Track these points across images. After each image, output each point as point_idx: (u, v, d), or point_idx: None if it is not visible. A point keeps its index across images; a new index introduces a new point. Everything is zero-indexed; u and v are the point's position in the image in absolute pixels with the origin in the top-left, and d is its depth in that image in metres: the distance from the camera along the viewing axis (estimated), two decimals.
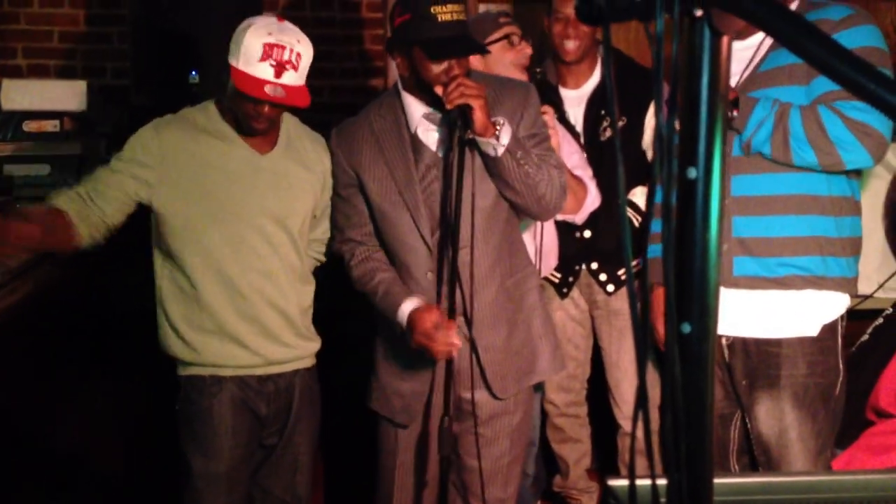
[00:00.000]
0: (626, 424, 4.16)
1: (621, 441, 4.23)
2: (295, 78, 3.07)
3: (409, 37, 3.02)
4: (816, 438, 3.22)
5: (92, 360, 3.87)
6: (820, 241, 3.13)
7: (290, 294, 3.28)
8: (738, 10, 1.05)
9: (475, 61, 3.51)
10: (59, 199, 3.12)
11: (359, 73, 5.21)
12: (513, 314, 3.24)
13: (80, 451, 3.84)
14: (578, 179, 3.59)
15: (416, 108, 3.15)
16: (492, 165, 3.07)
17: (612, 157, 3.86)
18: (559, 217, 3.61)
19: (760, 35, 3.13)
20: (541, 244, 3.61)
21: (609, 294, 4.06)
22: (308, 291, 3.36)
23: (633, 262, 3.49)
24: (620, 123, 3.87)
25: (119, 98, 4.90)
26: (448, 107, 2.97)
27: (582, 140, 3.92)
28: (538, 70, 3.63)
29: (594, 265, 4.04)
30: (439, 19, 2.99)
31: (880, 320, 3.87)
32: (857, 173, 3.22)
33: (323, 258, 3.44)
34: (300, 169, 3.28)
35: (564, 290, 4.08)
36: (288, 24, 3.12)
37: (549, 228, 3.72)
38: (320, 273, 3.45)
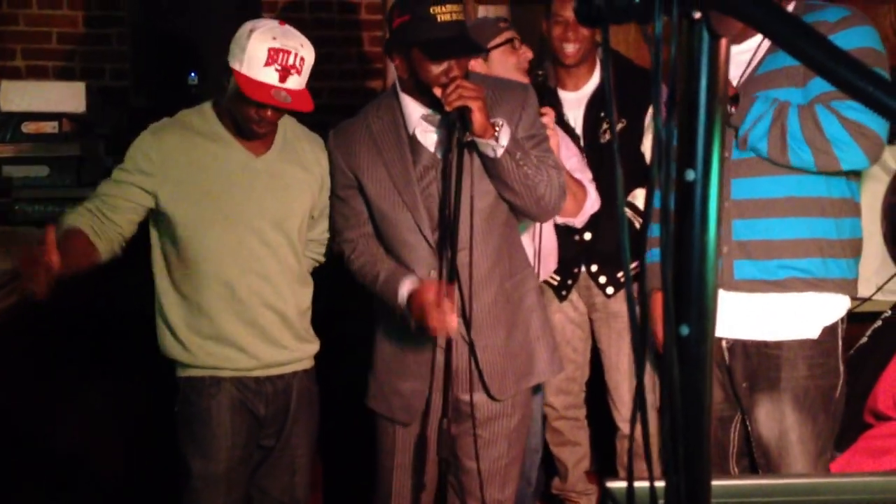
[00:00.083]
0: (624, 427, 4.16)
1: (620, 443, 4.23)
2: (298, 82, 3.07)
3: (408, 38, 3.02)
4: (816, 441, 3.22)
5: (91, 361, 3.87)
6: (820, 243, 3.13)
7: (288, 296, 3.28)
8: (737, 13, 1.05)
9: (477, 66, 3.52)
10: (74, 219, 3.12)
11: (358, 75, 5.22)
12: (511, 316, 3.24)
13: (79, 451, 3.84)
14: (578, 182, 3.59)
15: (414, 110, 3.15)
16: (491, 167, 3.07)
17: (611, 160, 3.86)
18: (559, 220, 3.61)
19: (758, 38, 3.13)
20: (539, 246, 3.61)
21: (608, 296, 4.06)
22: (306, 293, 3.36)
23: (633, 265, 3.49)
24: (620, 126, 3.87)
25: (118, 99, 4.90)
26: (447, 108, 2.97)
27: (581, 143, 3.92)
28: (539, 73, 3.63)
29: (593, 267, 4.04)
30: (438, 20, 2.99)
31: (879, 323, 3.87)
32: (857, 175, 3.22)
33: (321, 259, 3.45)
34: (297, 170, 3.28)
35: (563, 292, 4.08)
36: (290, 28, 3.11)
37: (549, 231, 3.72)
38: (319, 274, 3.45)
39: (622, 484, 1.48)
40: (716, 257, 1.17)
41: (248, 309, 3.22)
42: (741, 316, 3.18)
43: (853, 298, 3.29)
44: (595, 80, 3.98)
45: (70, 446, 3.79)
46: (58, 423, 3.52)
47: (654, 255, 3.27)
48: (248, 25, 3.09)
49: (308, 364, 3.38)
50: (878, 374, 3.64)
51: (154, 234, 3.25)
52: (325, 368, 3.46)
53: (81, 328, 3.82)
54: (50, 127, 4.44)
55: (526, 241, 3.56)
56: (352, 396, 3.40)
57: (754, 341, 3.22)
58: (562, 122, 3.85)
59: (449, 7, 3.00)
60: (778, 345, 3.19)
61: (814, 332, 3.18)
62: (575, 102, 3.98)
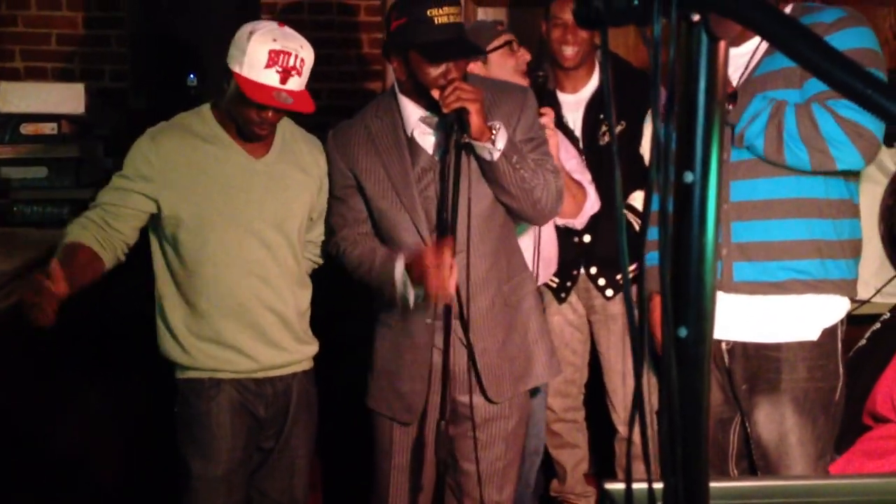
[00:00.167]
0: (623, 429, 4.16)
1: (619, 446, 4.24)
2: (299, 83, 3.07)
3: (406, 40, 3.02)
4: (816, 443, 3.22)
5: (90, 362, 3.87)
6: (819, 244, 3.13)
7: (288, 298, 3.28)
8: (735, 15, 1.05)
9: (476, 69, 3.52)
10: (78, 233, 3.12)
11: (357, 77, 5.22)
12: (509, 319, 3.24)
13: (78, 452, 3.84)
14: (578, 183, 3.59)
15: (412, 112, 3.15)
16: (487, 169, 3.07)
17: (610, 162, 3.86)
18: (559, 221, 3.61)
19: (756, 40, 3.14)
20: (538, 248, 3.61)
21: (607, 299, 4.07)
22: (305, 295, 3.36)
23: (632, 267, 3.49)
24: (619, 128, 3.88)
25: (117, 101, 4.91)
26: (444, 110, 2.97)
27: (580, 145, 3.93)
28: (540, 74, 3.64)
29: (593, 270, 4.04)
30: (436, 22, 2.99)
31: (878, 325, 3.87)
32: (855, 176, 3.22)
33: (319, 260, 3.45)
34: (296, 172, 3.28)
35: (563, 294, 4.08)
36: (290, 30, 3.12)
37: (549, 233, 3.72)
38: (318, 276, 3.45)
39: (621, 486, 1.48)
40: (714, 259, 1.17)
41: (248, 311, 3.22)
42: (741, 318, 3.18)
43: (853, 299, 3.29)
44: (594, 82, 3.99)
45: (69, 447, 3.79)
46: (57, 423, 3.52)
47: (652, 258, 3.27)
48: (247, 27, 3.08)
49: (307, 365, 3.38)
50: (877, 377, 3.64)
51: (154, 237, 3.25)
52: (324, 370, 3.46)
53: (81, 329, 3.82)
54: (49, 128, 4.44)
55: (527, 242, 3.56)
56: (351, 397, 3.41)
57: (754, 343, 3.22)
58: (561, 124, 3.85)
59: (446, 9, 3.00)
60: (777, 347, 3.19)
61: (813, 334, 3.18)
62: (574, 105, 3.99)
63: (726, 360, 3.28)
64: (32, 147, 4.43)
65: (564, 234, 3.85)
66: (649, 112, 3.86)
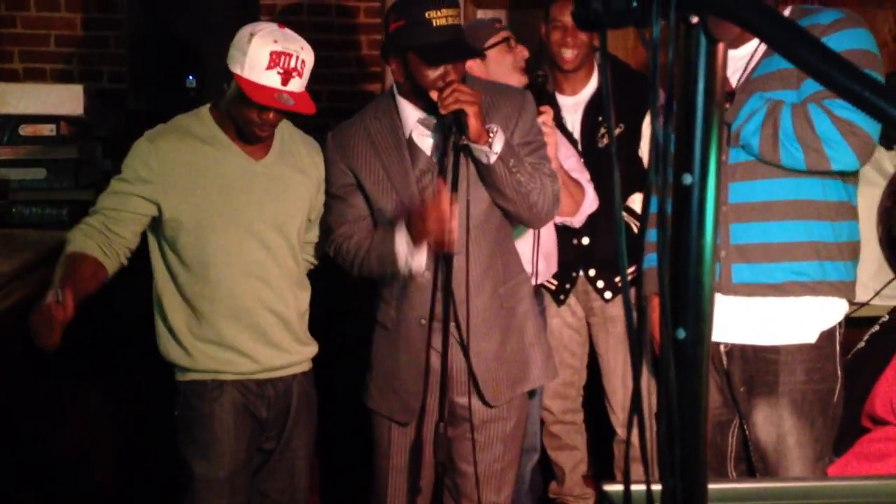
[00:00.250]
0: (622, 431, 4.16)
1: (617, 448, 4.24)
2: (300, 84, 3.07)
3: (404, 42, 3.02)
4: (814, 445, 3.22)
5: (89, 363, 3.87)
6: (817, 245, 3.14)
7: (288, 299, 3.28)
8: (733, 17, 1.05)
9: (475, 66, 3.52)
10: (81, 243, 3.12)
11: (356, 79, 5.22)
12: (505, 321, 3.24)
13: (77, 453, 3.83)
14: (576, 182, 3.59)
15: (411, 113, 3.15)
16: (484, 172, 3.07)
17: (609, 164, 3.87)
18: (558, 220, 3.61)
19: (755, 43, 3.14)
20: (538, 247, 3.61)
21: (606, 301, 4.07)
22: (305, 296, 3.37)
23: (630, 270, 3.49)
24: (618, 130, 3.88)
25: (116, 102, 4.90)
26: (442, 111, 2.97)
27: (579, 147, 3.93)
28: (539, 73, 3.64)
29: (591, 272, 4.04)
30: (434, 24, 3.00)
31: (876, 327, 3.87)
32: (853, 179, 3.22)
33: (315, 261, 3.45)
34: (295, 173, 3.28)
35: (561, 296, 4.08)
36: (290, 31, 3.12)
37: (548, 232, 3.72)
38: (318, 277, 3.45)
39: (619, 487, 1.48)
40: (712, 261, 1.17)
41: (249, 312, 3.22)
42: (739, 320, 3.18)
43: (852, 301, 3.29)
44: (593, 84, 3.99)
45: (69, 448, 3.79)
46: (57, 423, 3.52)
47: (651, 260, 3.28)
48: (247, 29, 3.08)
49: (307, 367, 3.39)
50: (876, 379, 3.64)
51: (153, 239, 3.24)
52: (323, 370, 3.46)
53: (80, 330, 3.82)
54: (48, 129, 4.44)
55: (526, 242, 3.56)
56: (350, 398, 3.41)
57: (752, 346, 3.22)
58: (560, 126, 3.85)
59: (445, 11, 3.00)
60: (776, 349, 3.19)
61: (812, 337, 3.18)
62: (572, 107, 3.99)
63: (724, 362, 3.28)
64: (31, 148, 4.43)
65: (563, 236, 3.85)
66: (648, 114, 3.86)
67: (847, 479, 2.48)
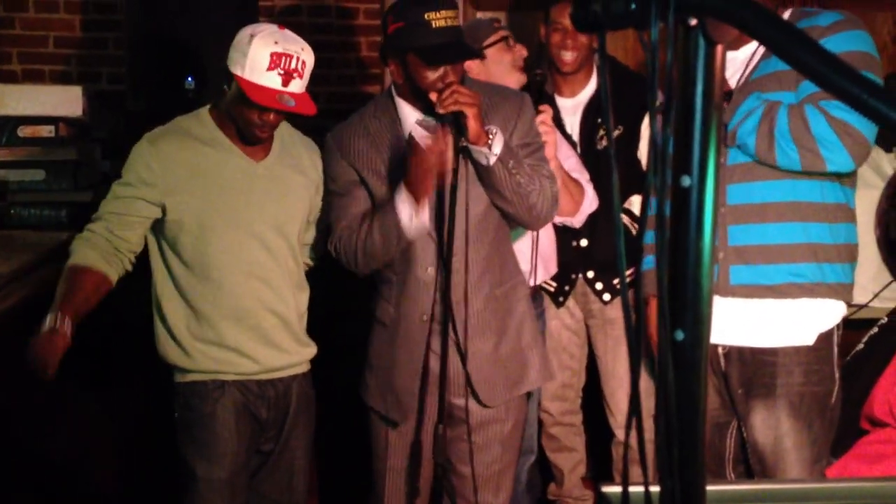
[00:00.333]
0: (620, 433, 4.16)
1: (616, 450, 4.24)
2: (300, 85, 3.07)
3: (404, 44, 3.02)
4: (812, 447, 3.22)
5: (88, 365, 3.86)
6: (815, 247, 3.14)
7: (289, 300, 3.29)
8: (732, 19, 1.05)
9: (474, 65, 3.53)
10: (83, 254, 3.13)
11: (356, 80, 5.22)
12: (502, 323, 3.24)
13: (76, 455, 3.83)
14: (576, 182, 3.59)
15: (409, 114, 3.15)
16: (483, 174, 3.07)
17: (608, 166, 3.87)
18: (558, 220, 3.61)
19: (754, 44, 3.14)
20: (537, 248, 3.61)
21: (605, 303, 4.07)
22: (304, 297, 3.37)
23: (629, 272, 3.49)
24: (617, 132, 3.88)
25: (115, 103, 4.90)
26: (441, 111, 2.97)
27: (578, 149, 3.93)
28: (538, 72, 3.64)
29: (590, 274, 4.04)
30: (433, 26, 3.00)
31: (875, 329, 3.88)
32: (851, 181, 3.23)
33: (311, 263, 3.45)
34: (295, 174, 3.29)
35: (560, 298, 4.08)
36: (290, 33, 3.12)
37: (548, 235, 3.72)
38: (316, 277, 3.45)
39: (617, 489, 1.48)
40: (711, 263, 1.17)
41: (250, 313, 3.22)
42: (737, 322, 3.18)
43: (849, 304, 3.29)
44: (592, 86, 3.99)
45: (67, 449, 3.78)
46: (56, 424, 3.52)
47: (649, 261, 3.28)
48: (247, 30, 3.08)
49: (306, 368, 3.39)
50: (875, 381, 3.64)
51: (153, 241, 3.24)
52: (323, 371, 3.46)
53: (79, 331, 3.82)
54: (46, 131, 4.44)
55: (525, 243, 3.56)
56: (349, 399, 3.41)
57: (750, 348, 3.22)
58: (559, 128, 3.85)
59: (443, 13, 3.01)
60: (773, 351, 3.20)
61: (809, 339, 3.18)
62: (571, 109, 3.99)
63: (722, 364, 3.28)
64: (30, 150, 4.43)
65: (562, 238, 3.85)
66: (647, 116, 3.86)
67: (845, 480, 2.48)
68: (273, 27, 3.11)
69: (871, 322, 3.91)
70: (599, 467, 4.42)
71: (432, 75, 3.02)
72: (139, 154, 3.17)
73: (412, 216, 3.00)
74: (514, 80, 3.66)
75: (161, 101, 4.48)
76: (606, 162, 3.85)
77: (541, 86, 3.62)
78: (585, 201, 3.63)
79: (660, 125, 1.15)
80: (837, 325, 3.23)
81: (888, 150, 4.45)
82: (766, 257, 3.14)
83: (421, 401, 3.22)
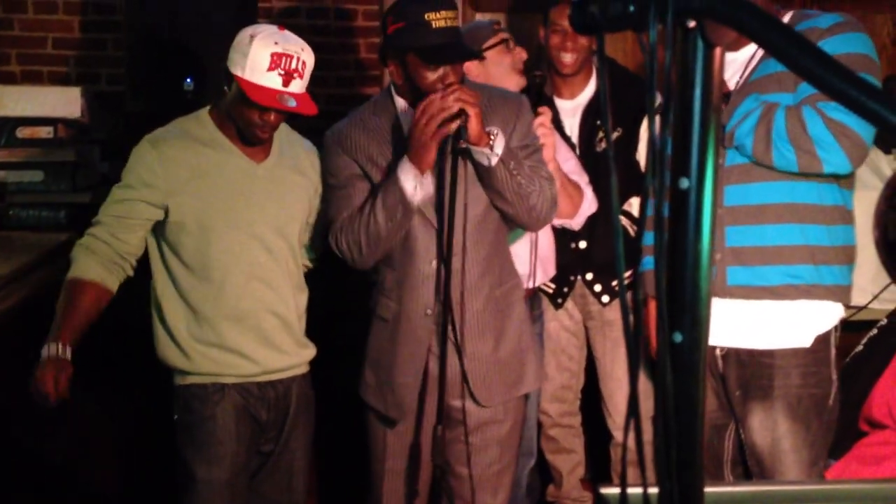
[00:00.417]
0: (619, 435, 4.16)
1: (614, 451, 4.24)
2: (301, 86, 3.07)
3: (404, 43, 3.02)
4: (810, 449, 3.22)
5: (87, 365, 3.86)
6: (813, 249, 3.14)
7: (289, 301, 3.29)
8: (730, 22, 1.05)
9: (474, 67, 3.52)
10: (84, 265, 3.13)
11: (354, 82, 5.22)
12: (500, 324, 3.23)
13: (75, 457, 3.83)
14: (575, 184, 3.59)
15: (409, 114, 3.15)
16: (484, 175, 3.06)
17: (607, 168, 3.87)
18: (556, 222, 3.61)
19: (754, 46, 3.14)
20: (536, 250, 3.61)
21: (604, 305, 4.07)
22: (304, 298, 3.37)
23: (627, 274, 3.50)
24: (616, 134, 3.88)
25: (114, 105, 4.90)
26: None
27: (577, 151, 3.93)
28: (537, 74, 3.64)
29: (589, 276, 4.04)
30: (433, 26, 2.99)
31: (875, 331, 3.87)
32: (849, 183, 3.23)
33: (310, 263, 3.45)
34: (295, 175, 3.29)
35: (559, 300, 4.08)
36: (290, 33, 3.12)
37: (547, 236, 3.72)
38: (316, 277, 3.45)
39: (616, 491, 1.48)
40: (709, 265, 1.17)
41: (251, 315, 3.21)
42: (734, 324, 3.18)
43: (847, 307, 3.29)
44: (591, 88, 3.99)
45: (67, 449, 3.78)
46: (56, 424, 3.52)
47: (647, 262, 3.28)
48: (247, 31, 3.09)
49: (305, 369, 3.39)
50: (874, 383, 3.64)
51: (153, 242, 3.23)
52: (322, 372, 3.46)
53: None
54: (45, 132, 4.44)
55: (524, 245, 3.56)
56: (349, 400, 3.40)
57: (747, 350, 3.22)
58: (558, 130, 3.85)
59: (444, 13, 3.00)
60: (771, 353, 3.20)
61: (807, 341, 3.18)
62: (571, 111, 3.99)
63: (720, 366, 3.28)
64: (29, 151, 4.43)
65: (561, 240, 3.85)
66: (646, 118, 3.86)
67: (843, 482, 2.49)
68: (273, 28, 3.12)
69: (871, 324, 3.91)
70: (598, 469, 4.43)
71: (432, 76, 3.02)
72: (140, 156, 3.17)
73: (416, 186, 3.00)
74: (514, 82, 3.66)
75: (160, 102, 4.48)
76: (605, 164, 3.85)
77: (540, 87, 3.62)
78: (584, 204, 3.63)
79: (658, 127, 1.15)
80: (835, 327, 3.23)
81: (887, 151, 4.45)
82: (763, 259, 3.14)
83: (420, 401, 3.22)
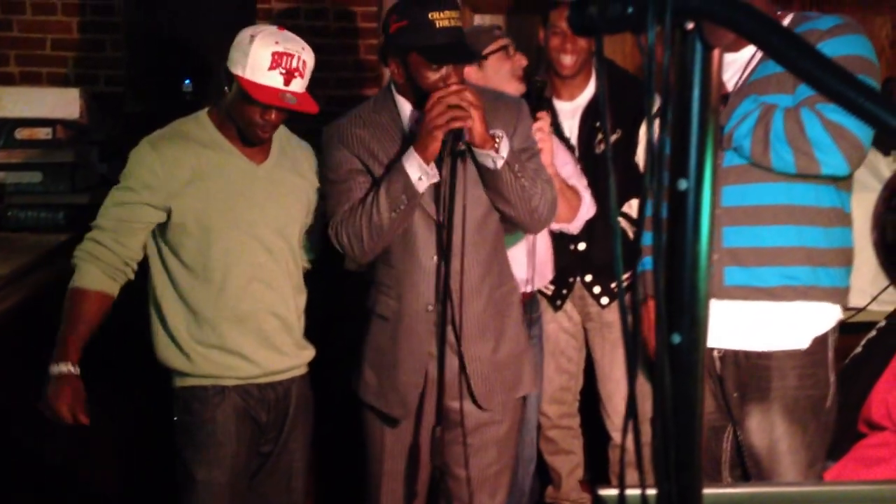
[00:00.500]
0: (617, 436, 4.17)
1: (612, 453, 4.24)
2: (301, 85, 3.08)
3: (407, 42, 3.01)
4: (807, 451, 3.22)
5: (87, 366, 3.86)
6: (809, 251, 3.14)
7: (290, 302, 3.29)
8: (729, 24, 1.05)
9: (472, 73, 3.52)
10: (86, 273, 3.14)
11: (353, 83, 5.22)
12: (500, 326, 3.24)
13: (75, 457, 3.83)
14: (573, 188, 3.59)
15: (409, 112, 3.14)
16: (489, 178, 3.06)
17: (606, 170, 3.86)
18: (554, 226, 3.61)
19: (752, 47, 3.14)
20: (533, 255, 3.61)
21: (603, 307, 4.07)
22: (303, 299, 3.37)
23: (626, 275, 3.50)
24: (615, 136, 3.88)
25: (112, 106, 4.90)
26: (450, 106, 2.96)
27: (576, 153, 3.93)
28: (538, 79, 3.63)
29: (588, 278, 4.04)
30: (437, 25, 2.99)
31: (873, 333, 3.88)
32: (847, 185, 3.23)
33: (308, 265, 3.45)
34: (295, 176, 3.29)
35: (558, 302, 4.08)
36: (289, 33, 3.13)
37: (544, 240, 3.72)
38: (315, 278, 3.45)
39: (614, 492, 1.48)
40: (708, 266, 1.17)
41: (252, 316, 3.21)
42: (732, 326, 3.18)
43: (846, 308, 3.29)
44: (590, 90, 3.99)
45: (67, 449, 3.78)
46: (56, 425, 3.51)
47: (645, 262, 3.28)
48: (247, 31, 3.09)
49: (305, 370, 3.39)
50: (873, 384, 3.64)
51: (153, 244, 3.23)
52: (322, 373, 3.45)
53: None
54: (44, 133, 4.44)
55: (521, 250, 3.56)
56: (348, 401, 3.40)
57: (745, 351, 3.22)
58: (557, 131, 3.85)
59: (447, 13, 3.00)
60: (768, 355, 3.20)
61: (804, 343, 3.18)
62: (570, 112, 3.99)
63: (718, 367, 3.28)
64: (27, 152, 4.42)
65: (560, 242, 3.85)
66: (645, 119, 3.86)
67: (842, 483, 2.49)
68: (273, 28, 3.13)
69: (870, 325, 3.91)
70: (597, 470, 4.43)
71: (434, 76, 3.02)
72: (140, 158, 3.16)
73: (421, 177, 3.00)
74: (513, 88, 3.66)
75: (159, 103, 4.48)
76: (604, 165, 3.85)
77: (541, 92, 3.62)
78: (583, 208, 3.63)
79: (657, 128, 1.15)
80: (833, 329, 3.23)
81: (886, 153, 4.45)
82: (759, 259, 3.15)
83: (419, 402, 3.22)
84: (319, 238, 3.39)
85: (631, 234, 3.92)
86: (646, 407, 3.64)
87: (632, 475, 1.26)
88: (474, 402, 3.21)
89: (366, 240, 3.09)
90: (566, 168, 3.65)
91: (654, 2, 1.07)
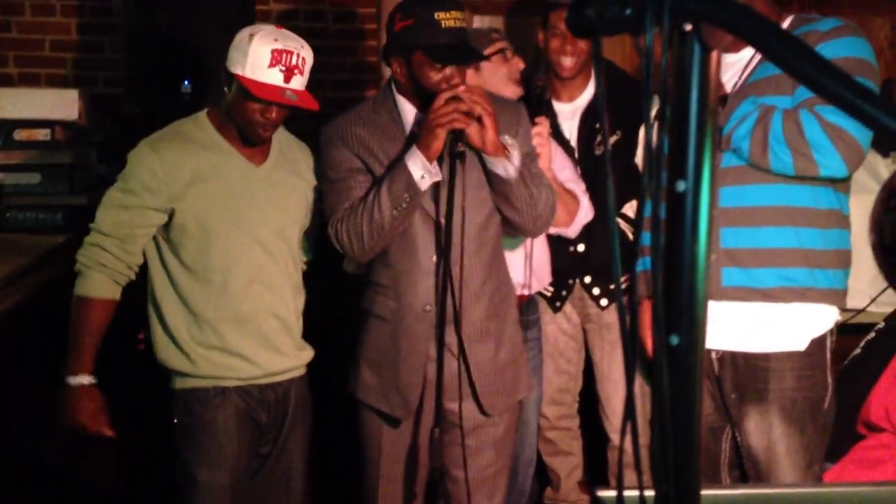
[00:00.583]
0: (616, 438, 4.17)
1: (611, 454, 4.24)
2: (301, 82, 3.08)
3: (412, 41, 3.00)
4: (805, 452, 3.22)
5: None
6: (806, 252, 3.14)
7: (289, 303, 3.29)
8: (727, 25, 1.05)
9: (470, 76, 3.52)
10: (92, 281, 3.14)
11: (352, 85, 5.22)
12: (500, 329, 3.23)
13: (75, 457, 3.83)
14: (571, 193, 3.59)
15: (410, 111, 3.14)
16: (499, 185, 3.05)
17: (604, 171, 3.86)
18: (552, 230, 3.61)
19: (752, 49, 3.14)
20: (530, 258, 3.61)
21: (602, 308, 4.07)
22: (302, 300, 3.37)
23: (624, 277, 3.50)
24: (614, 137, 3.88)
25: (111, 107, 4.90)
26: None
27: (576, 154, 3.93)
28: (539, 82, 3.63)
29: (587, 279, 4.04)
30: (443, 25, 2.98)
31: (872, 334, 3.88)
32: (845, 187, 3.23)
33: (305, 266, 3.45)
34: (294, 178, 3.29)
35: (557, 303, 4.08)
36: (288, 31, 3.13)
37: (541, 244, 3.72)
38: (314, 279, 3.45)
39: (613, 493, 1.48)
40: (706, 267, 1.17)
41: (253, 317, 3.21)
42: (730, 327, 3.18)
43: (844, 310, 3.29)
44: (590, 91, 3.99)
45: (66, 449, 3.78)
46: (56, 424, 3.51)
47: (643, 263, 3.28)
48: (246, 31, 3.09)
49: (303, 371, 3.39)
50: (871, 386, 3.64)
51: (153, 246, 3.22)
52: (321, 373, 3.45)
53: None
54: (42, 134, 4.44)
55: (518, 254, 3.56)
56: (347, 402, 3.40)
57: (743, 353, 3.22)
58: (556, 133, 3.85)
59: (453, 13, 2.99)
60: (766, 356, 3.20)
61: (801, 345, 3.18)
62: (569, 114, 3.98)
63: (716, 368, 3.28)
64: (26, 153, 4.42)
65: (559, 243, 3.85)
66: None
67: (841, 485, 2.48)
68: (271, 27, 3.14)
69: (868, 327, 3.91)
70: (596, 471, 4.42)
71: (437, 76, 3.01)
72: (141, 160, 3.15)
73: (424, 175, 2.99)
74: (511, 92, 3.66)
75: (158, 104, 4.48)
76: (603, 167, 3.85)
77: (541, 96, 3.61)
78: (581, 212, 3.63)
79: (655, 130, 1.15)
80: (831, 331, 3.23)
81: (885, 154, 4.45)
82: (757, 261, 3.15)
83: (418, 404, 3.21)
84: (318, 237, 3.39)
85: (630, 236, 3.92)
86: (644, 408, 3.65)
87: (630, 476, 1.26)
88: (478, 405, 3.20)
89: (366, 238, 3.08)
90: (564, 172, 3.65)
91: (652, 3, 1.07)
